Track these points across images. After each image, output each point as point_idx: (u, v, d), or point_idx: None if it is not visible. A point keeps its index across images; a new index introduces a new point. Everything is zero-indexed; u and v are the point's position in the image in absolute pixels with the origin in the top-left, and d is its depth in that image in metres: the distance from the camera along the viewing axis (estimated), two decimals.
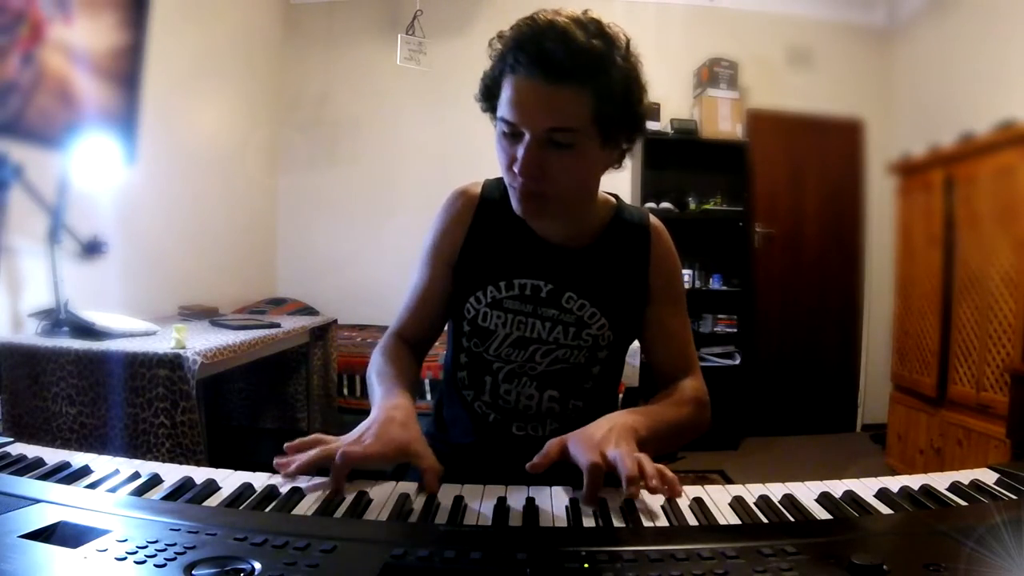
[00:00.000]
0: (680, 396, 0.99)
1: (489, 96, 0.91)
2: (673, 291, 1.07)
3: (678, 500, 0.70)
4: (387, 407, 0.86)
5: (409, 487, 0.73)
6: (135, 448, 1.76)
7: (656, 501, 0.71)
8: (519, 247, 1.02)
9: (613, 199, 1.09)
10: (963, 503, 0.68)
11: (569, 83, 0.83)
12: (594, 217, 1.04)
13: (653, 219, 1.08)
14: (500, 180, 1.07)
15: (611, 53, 0.85)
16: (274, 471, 0.76)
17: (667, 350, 1.06)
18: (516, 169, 0.87)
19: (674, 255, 1.08)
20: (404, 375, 0.98)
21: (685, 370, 1.05)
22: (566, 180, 0.89)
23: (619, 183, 4.04)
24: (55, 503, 0.60)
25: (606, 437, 0.78)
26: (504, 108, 0.87)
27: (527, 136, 0.85)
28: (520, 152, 0.86)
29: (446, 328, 1.13)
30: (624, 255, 1.04)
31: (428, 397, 2.98)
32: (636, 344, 1.11)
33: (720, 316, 3.86)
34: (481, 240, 1.04)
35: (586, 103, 0.84)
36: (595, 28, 0.85)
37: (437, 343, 1.17)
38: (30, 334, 2.04)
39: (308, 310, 3.72)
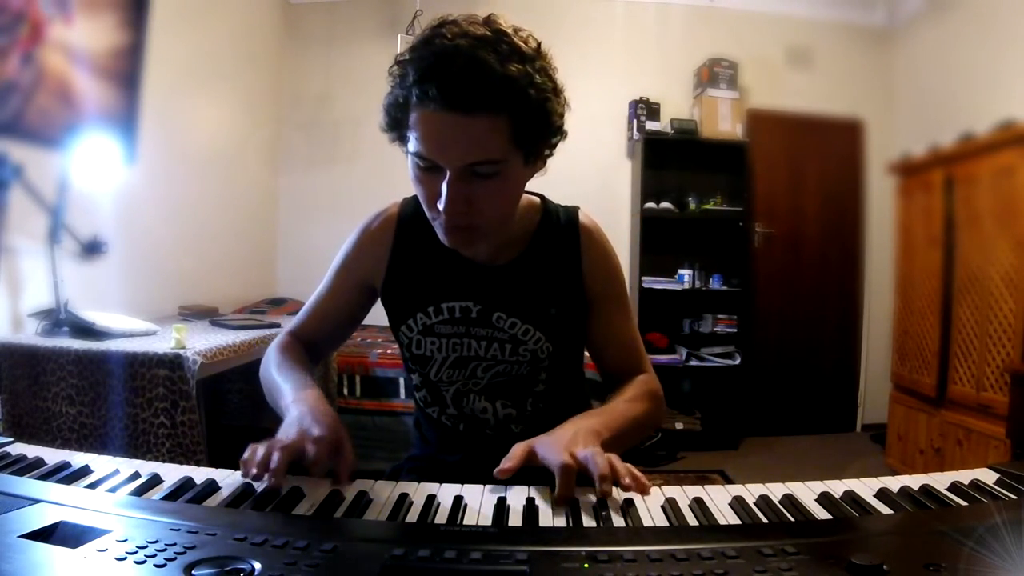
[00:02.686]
0: (635, 392, 0.97)
1: (396, 126, 0.84)
2: (612, 291, 1.04)
3: (678, 500, 0.70)
4: (311, 396, 0.85)
5: (409, 487, 0.73)
6: (135, 448, 1.76)
7: (656, 501, 0.71)
8: (444, 269, 0.99)
9: (538, 200, 1.04)
10: (963, 503, 0.68)
11: (484, 113, 0.77)
12: (519, 227, 0.99)
13: (583, 217, 1.04)
14: (416, 199, 1.03)
15: (526, 73, 0.79)
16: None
17: (615, 352, 1.04)
18: (440, 206, 0.81)
19: (609, 253, 1.04)
20: (308, 372, 0.97)
21: (636, 369, 1.03)
22: (493, 208, 0.85)
23: (619, 183, 4.05)
24: (55, 503, 0.60)
25: (573, 439, 0.77)
26: (417, 143, 0.80)
27: (447, 172, 0.80)
28: (442, 189, 0.80)
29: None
30: (554, 262, 1.01)
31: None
32: None
33: (720, 316, 3.86)
34: (405, 264, 1.02)
35: (504, 129, 0.79)
36: (507, 47, 0.78)
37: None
38: (30, 334, 2.04)
39: None
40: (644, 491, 0.71)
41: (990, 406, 2.61)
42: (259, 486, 0.70)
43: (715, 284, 3.84)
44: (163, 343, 1.92)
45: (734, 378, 3.79)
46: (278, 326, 2.57)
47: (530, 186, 1.02)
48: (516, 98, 0.78)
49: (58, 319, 2.03)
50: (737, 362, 3.80)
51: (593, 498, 0.70)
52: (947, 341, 2.93)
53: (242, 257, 3.80)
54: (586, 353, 1.10)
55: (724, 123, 3.80)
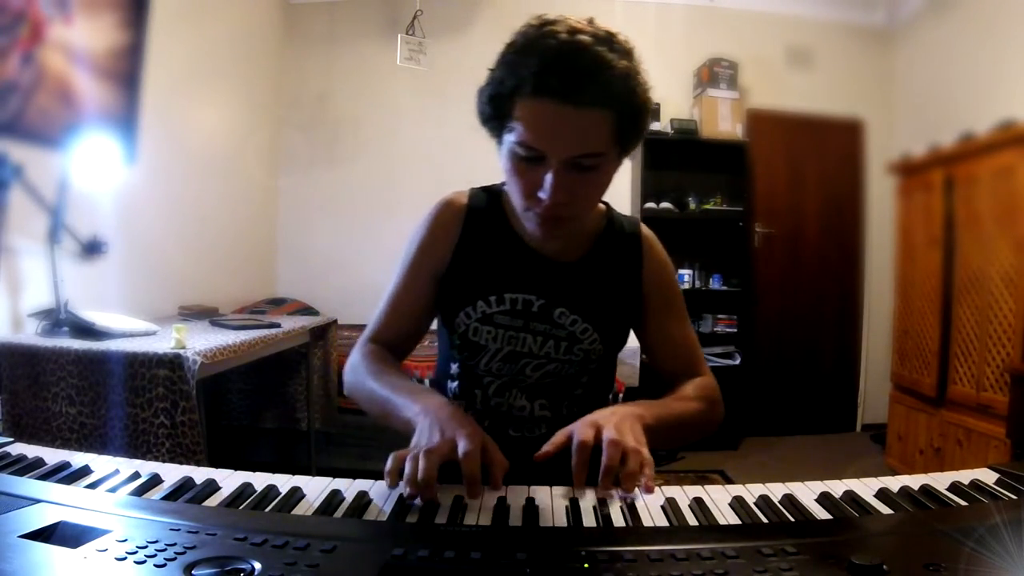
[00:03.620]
0: (689, 391, 0.98)
1: (498, 115, 0.86)
2: (671, 298, 1.06)
3: (678, 500, 0.70)
4: (436, 404, 0.82)
5: None
6: (135, 448, 1.76)
7: (656, 501, 0.70)
8: (510, 260, 1.00)
9: (604, 207, 1.07)
10: (963, 503, 0.68)
11: (596, 107, 0.80)
12: (588, 226, 1.02)
13: (645, 229, 1.07)
14: (486, 190, 1.05)
15: (635, 72, 0.83)
16: (274, 471, 0.76)
17: (674, 358, 1.06)
18: (542, 196, 0.84)
19: (668, 264, 1.07)
20: (408, 378, 0.95)
21: (695, 371, 1.05)
22: (589, 200, 0.89)
23: (619, 183, 4.04)
24: (55, 503, 0.60)
25: (607, 419, 0.78)
26: (524, 132, 0.82)
27: (552, 162, 0.82)
28: (547, 179, 0.82)
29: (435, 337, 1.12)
30: (616, 267, 1.03)
31: None
32: (636, 343, 1.10)
33: (720, 316, 3.86)
34: (470, 252, 1.01)
35: (609, 124, 0.82)
36: (620, 47, 0.82)
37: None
38: (30, 334, 2.04)
39: (308, 310, 3.72)
40: (647, 489, 0.72)
41: (990, 406, 2.61)
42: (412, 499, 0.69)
43: (715, 284, 3.84)
44: (163, 343, 1.92)
45: (734, 378, 3.78)
46: (278, 326, 2.57)
47: None
48: (624, 95, 0.82)
49: (58, 319, 2.03)
50: (737, 362, 3.80)
51: (593, 498, 0.70)
52: (947, 341, 2.93)
53: (242, 257, 3.80)
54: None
55: (724, 123, 3.80)
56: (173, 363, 1.79)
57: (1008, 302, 2.58)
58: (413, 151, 4.09)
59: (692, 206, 3.84)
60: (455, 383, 1.06)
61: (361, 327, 3.93)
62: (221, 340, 2.08)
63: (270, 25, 4.00)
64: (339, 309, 3.68)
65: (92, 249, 2.22)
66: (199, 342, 1.98)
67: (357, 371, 0.98)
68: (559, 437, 0.78)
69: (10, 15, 2.06)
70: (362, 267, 4.07)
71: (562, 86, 0.78)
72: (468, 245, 1.02)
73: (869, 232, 4.05)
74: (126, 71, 2.63)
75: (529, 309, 0.99)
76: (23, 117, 2.14)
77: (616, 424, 0.77)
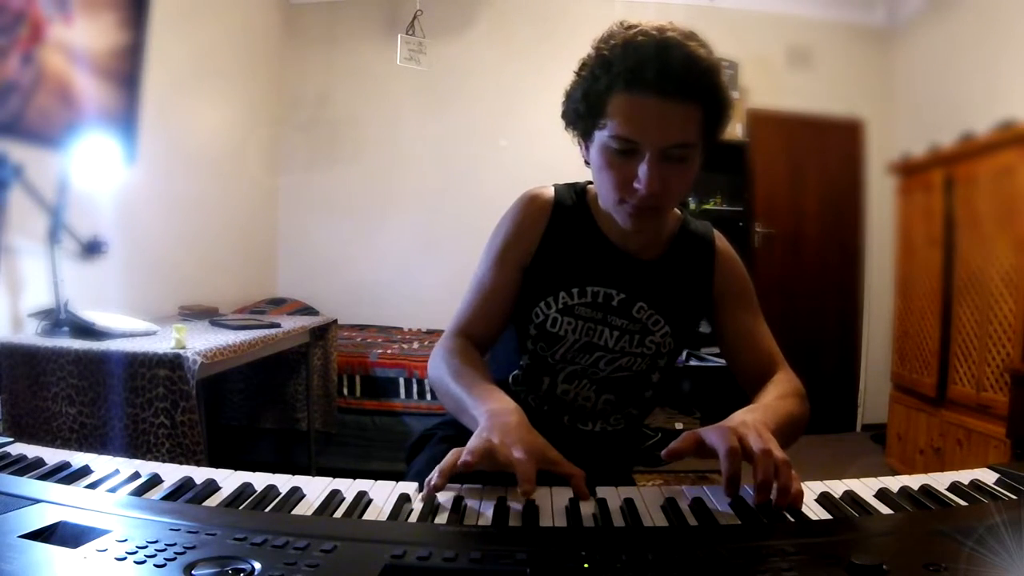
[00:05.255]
0: (784, 390, 0.97)
1: (589, 114, 0.89)
2: (744, 295, 1.08)
3: (678, 500, 0.70)
4: (503, 410, 0.81)
5: (409, 487, 0.73)
6: (135, 448, 1.76)
7: (656, 501, 0.70)
8: (593, 255, 1.03)
9: (678, 211, 1.10)
10: (963, 503, 0.68)
11: (689, 99, 0.84)
12: (665, 227, 1.06)
13: (718, 235, 1.11)
14: (570, 186, 1.08)
15: (720, 68, 0.88)
16: (274, 471, 0.76)
17: (753, 352, 1.06)
18: (638, 186, 0.86)
19: (739, 263, 1.10)
20: (487, 376, 0.94)
21: (772, 366, 1.04)
22: (676, 192, 0.91)
23: None
24: (55, 503, 0.60)
25: (747, 427, 0.74)
26: (619, 125, 0.86)
27: (646, 152, 0.85)
28: (642, 169, 0.86)
29: None
30: (691, 267, 1.06)
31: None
32: None
33: None
34: (555, 246, 1.03)
35: (697, 117, 0.86)
36: (705, 42, 0.87)
37: None
38: (30, 334, 2.04)
39: (308, 310, 3.72)
40: (797, 502, 0.68)
41: (990, 406, 2.61)
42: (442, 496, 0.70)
43: None
44: (163, 343, 1.92)
45: (734, 378, 3.78)
46: (278, 326, 2.56)
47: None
48: (711, 89, 0.86)
49: (58, 319, 2.03)
50: None
51: (593, 501, 0.70)
52: (947, 341, 2.93)
53: (242, 257, 3.80)
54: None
55: None
56: (173, 363, 1.79)
57: (1008, 302, 2.58)
58: (413, 151, 4.09)
59: (692, 206, 3.83)
60: (517, 371, 1.07)
61: (361, 327, 3.93)
62: (221, 340, 2.08)
63: (270, 25, 4.00)
64: (339, 309, 3.68)
65: (92, 249, 2.22)
66: (199, 342, 1.98)
67: (439, 367, 0.98)
68: (689, 438, 0.74)
69: (10, 15, 2.06)
70: (362, 267, 4.07)
71: (656, 79, 0.83)
72: (553, 238, 1.04)
73: (869, 232, 4.05)
74: (126, 71, 2.62)
75: (610, 303, 1.02)
76: (23, 117, 2.14)
77: (758, 432, 0.73)
